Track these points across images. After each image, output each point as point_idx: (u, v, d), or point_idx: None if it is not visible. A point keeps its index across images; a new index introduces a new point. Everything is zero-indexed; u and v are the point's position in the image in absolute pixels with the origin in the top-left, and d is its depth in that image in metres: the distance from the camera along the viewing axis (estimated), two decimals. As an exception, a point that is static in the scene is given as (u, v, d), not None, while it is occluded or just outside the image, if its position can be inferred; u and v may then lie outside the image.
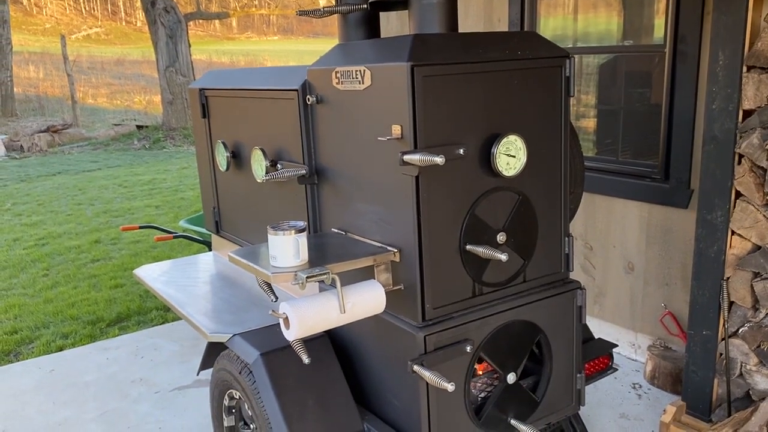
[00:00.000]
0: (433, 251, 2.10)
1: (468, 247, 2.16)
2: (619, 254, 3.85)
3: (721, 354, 2.91)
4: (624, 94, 3.79)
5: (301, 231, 2.00)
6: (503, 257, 2.07)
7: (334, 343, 2.54)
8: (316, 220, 2.57)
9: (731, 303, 2.84)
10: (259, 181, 2.66)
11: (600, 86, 3.97)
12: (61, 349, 4.48)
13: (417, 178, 2.01)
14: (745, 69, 2.64)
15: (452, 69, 2.04)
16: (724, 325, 2.86)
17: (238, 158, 3.06)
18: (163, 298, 2.98)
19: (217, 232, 3.49)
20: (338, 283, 1.97)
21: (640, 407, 3.41)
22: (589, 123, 4.07)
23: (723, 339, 2.88)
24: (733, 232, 2.78)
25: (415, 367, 2.04)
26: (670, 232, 3.54)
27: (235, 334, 2.47)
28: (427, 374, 2.01)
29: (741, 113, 2.69)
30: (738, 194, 2.75)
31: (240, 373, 2.41)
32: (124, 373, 4.03)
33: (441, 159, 1.88)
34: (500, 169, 2.15)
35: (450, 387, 1.95)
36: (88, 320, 5.05)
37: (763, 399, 2.69)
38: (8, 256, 7.28)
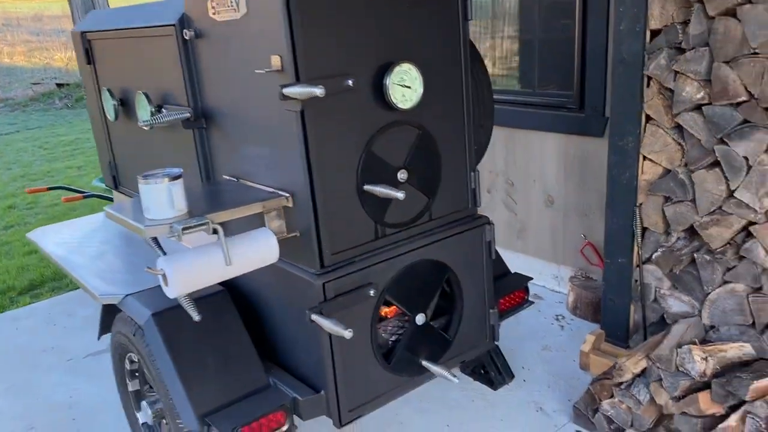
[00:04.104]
0: (328, 193, 1.96)
1: (366, 187, 2.03)
2: (539, 188, 3.80)
3: (636, 280, 2.91)
4: (539, 22, 3.66)
5: (175, 178, 1.82)
6: (400, 195, 1.95)
7: (237, 296, 2.41)
8: (208, 167, 2.39)
9: (644, 229, 2.82)
10: (140, 127, 2.44)
11: (514, 15, 3.84)
12: (-34, 322, 4.21)
13: (302, 113, 1.85)
14: (651, -13, 2.55)
15: (334, -9, 1.86)
16: (638, 251, 2.85)
17: (126, 106, 2.82)
18: (55, 261, 2.77)
19: (116, 188, 3.26)
20: (221, 234, 1.82)
21: (563, 338, 3.42)
22: (505, 54, 3.95)
23: (638, 265, 2.87)
24: (644, 158, 2.74)
25: (314, 316, 1.92)
26: (588, 163, 3.50)
27: (127, 295, 2.30)
28: (325, 323, 1.90)
29: (648, 33, 2.61)
30: (648, 118, 2.69)
31: (134, 335, 2.25)
32: (34, 342, 3.80)
33: (321, 90, 1.72)
34: (395, 101, 2.01)
35: (347, 334, 1.84)
36: (-3, 290, 4.75)
37: (676, 322, 2.72)
38: None
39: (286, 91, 1.77)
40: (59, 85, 17.45)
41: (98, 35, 2.90)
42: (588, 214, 3.58)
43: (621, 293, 2.97)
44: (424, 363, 2.27)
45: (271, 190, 2.05)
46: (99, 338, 2.65)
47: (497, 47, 3.98)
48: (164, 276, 1.79)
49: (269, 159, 2.04)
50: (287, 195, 1.99)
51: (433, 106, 2.16)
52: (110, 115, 2.87)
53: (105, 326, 2.55)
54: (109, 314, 2.48)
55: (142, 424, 2.53)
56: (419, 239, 2.23)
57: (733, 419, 2.24)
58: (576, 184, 3.61)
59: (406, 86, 2.02)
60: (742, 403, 2.25)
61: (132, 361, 2.48)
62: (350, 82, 1.90)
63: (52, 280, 4.91)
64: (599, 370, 2.86)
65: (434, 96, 2.15)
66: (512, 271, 2.93)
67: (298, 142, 1.87)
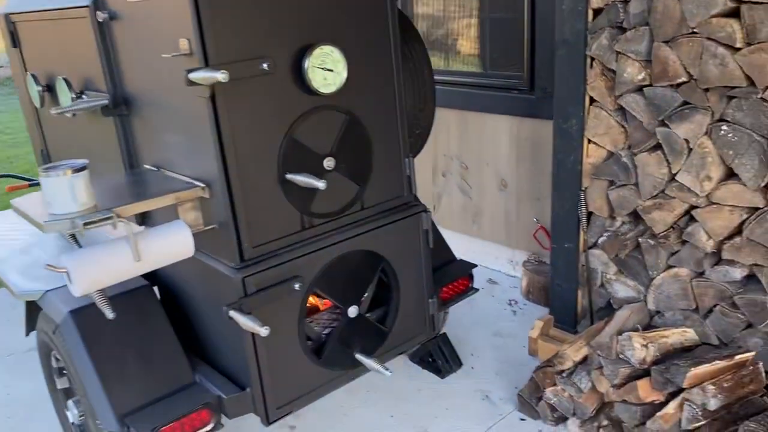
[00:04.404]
0: (246, 183, 1.87)
1: (287, 176, 1.94)
2: (492, 172, 3.73)
3: (583, 265, 2.86)
4: (489, 3, 3.57)
5: (79, 170, 1.71)
6: (321, 185, 1.87)
7: (167, 289, 2.32)
8: (132, 156, 2.28)
9: (590, 213, 2.77)
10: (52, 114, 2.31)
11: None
12: None
13: (212, 99, 1.75)
14: (592, -36, 2.47)
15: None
16: (584, 236, 2.80)
17: (53, 92, 2.69)
18: (-23, 255, 2.65)
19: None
20: (129, 228, 1.72)
21: (515, 323, 3.38)
22: (458, 34, 3.85)
23: (584, 250, 2.83)
24: (589, 141, 2.68)
25: (231, 313, 1.84)
26: (539, 145, 3.43)
27: (46, 291, 2.19)
28: (242, 319, 1.82)
29: (591, 13, 2.53)
30: (592, 100, 2.62)
31: (54, 333, 2.15)
32: (-26, 338, 3.68)
33: (223, 75, 1.62)
34: (316, 85, 1.91)
35: (263, 332, 1.77)
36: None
37: (622, 307, 2.68)
38: None
39: (192, 76, 1.67)
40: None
41: (22, 17, 2.75)
42: (540, 198, 3.53)
43: (568, 278, 2.93)
44: (357, 356, 2.20)
45: (188, 180, 1.95)
46: (27, 335, 2.54)
47: (449, 27, 3.88)
48: (68, 274, 1.69)
49: (186, 148, 1.94)
50: (203, 185, 1.89)
51: (361, 90, 2.07)
52: (36, 102, 2.74)
53: (30, 323, 2.44)
54: (33, 311, 2.38)
55: (72, 423, 2.44)
56: (350, 229, 2.15)
57: (671, 407, 2.21)
58: (528, 168, 3.55)
59: (328, 69, 1.92)
60: (681, 390, 2.22)
61: (57, 359, 2.38)
62: (265, 66, 1.80)
63: None
64: (548, 356, 2.82)
65: (362, 79, 2.06)
66: (458, 258, 2.86)
67: (210, 130, 1.78)
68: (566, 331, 2.98)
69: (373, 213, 2.21)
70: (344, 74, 1.96)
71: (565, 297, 2.97)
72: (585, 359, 2.49)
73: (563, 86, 2.68)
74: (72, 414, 2.37)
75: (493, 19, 3.58)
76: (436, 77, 2.74)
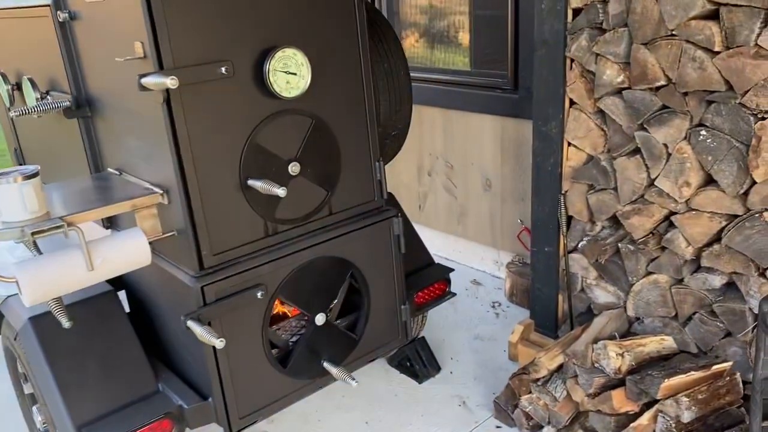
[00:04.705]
0: (206, 190, 1.82)
1: (249, 182, 1.89)
2: (477, 171, 3.68)
3: (563, 270, 2.81)
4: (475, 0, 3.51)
5: (30, 177, 1.66)
6: (280, 192, 1.82)
7: (133, 297, 2.28)
8: (96, 159, 2.23)
9: (570, 218, 2.72)
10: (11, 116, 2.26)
11: (453, -9, 3.67)
12: None
13: (168, 104, 1.70)
14: (572, -38, 2.40)
15: (200, -31, 1.69)
16: (564, 240, 2.75)
17: (21, 91, 2.64)
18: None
19: (24, 176, 3.07)
20: (81, 237, 1.67)
21: (496, 326, 3.34)
22: (443, 31, 3.79)
23: (564, 255, 2.78)
24: (569, 144, 2.62)
25: (189, 323, 1.80)
26: (522, 146, 3.38)
27: (8, 297, 2.15)
28: (198, 330, 1.77)
29: (570, 13, 2.47)
30: (572, 102, 2.56)
31: (15, 339, 2.11)
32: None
33: (173, 81, 1.57)
34: (278, 89, 1.86)
35: (218, 343, 1.72)
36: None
37: (601, 313, 2.63)
38: None
39: (144, 81, 1.62)
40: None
41: (-10, 14, 2.70)
42: (524, 199, 3.47)
43: (548, 282, 2.88)
44: (325, 365, 2.16)
45: (147, 186, 1.90)
46: (-6, 340, 2.51)
47: (434, 24, 3.81)
48: (17, 283, 1.65)
49: (144, 152, 1.89)
50: (161, 192, 1.84)
51: (327, 93, 2.01)
52: (6, 101, 2.69)
53: (-5, 328, 2.40)
54: (-2, 315, 2.34)
55: (38, 429, 2.40)
56: (317, 235, 2.10)
57: (644, 418, 2.17)
58: (512, 168, 3.49)
59: (291, 73, 1.87)
60: (656, 401, 2.17)
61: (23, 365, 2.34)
62: (223, 70, 1.75)
63: (-16, 268, 4.72)
64: (527, 362, 2.78)
65: (328, 82, 2.01)
66: (437, 261, 2.81)
67: (165, 135, 1.73)
68: (547, 336, 2.93)
69: (341, 218, 2.16)
70: (308, 78, 1.90)
71: (545, 301, 2.92)
72: (561, 367, 2.44)
73: (542, 87, 2.62)
74: (37, 420, 2.33)
75: (479, 16, 3.52)
76: (420, 75, 2.68)
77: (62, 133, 2.41)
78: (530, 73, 3.18)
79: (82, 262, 1.69)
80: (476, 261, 3.88)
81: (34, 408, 2.32)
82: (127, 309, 2.23)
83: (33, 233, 1.60)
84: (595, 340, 2.39)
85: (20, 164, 3.05)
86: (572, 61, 2.50)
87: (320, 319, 2.15)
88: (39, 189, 1.68)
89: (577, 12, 2.46)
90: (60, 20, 2.03)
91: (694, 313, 2.39)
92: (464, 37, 3.69)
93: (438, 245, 3.96)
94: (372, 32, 2.24)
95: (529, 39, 3.13)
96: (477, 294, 3.66)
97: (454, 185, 3.86)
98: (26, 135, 2.91)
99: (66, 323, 1.82)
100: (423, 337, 2.95)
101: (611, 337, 2.44)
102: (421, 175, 4.04)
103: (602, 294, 2.69)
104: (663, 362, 2.34)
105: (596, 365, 2.31)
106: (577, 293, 2.81)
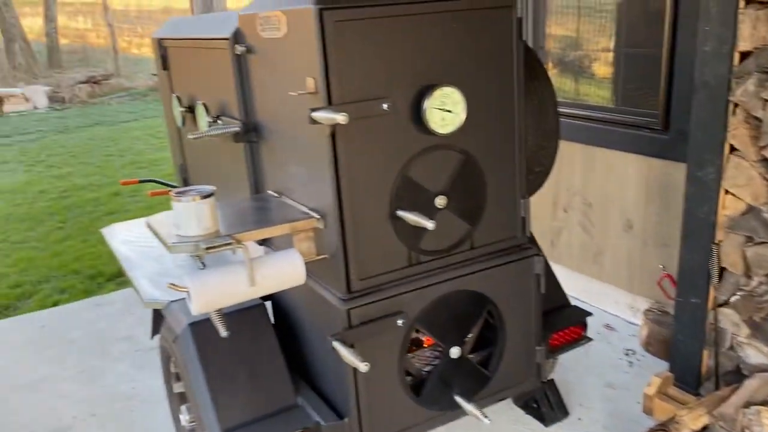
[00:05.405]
0: (358, 217, 1.91)
1: (398, 212, 1.96)
2: (617, 211, 3.55)
3: (711, 323, 2.64)
4: (625, 36, 3.42)
5: (207, 197, 1.83)
6: (430, 225, 1.87)
7: (279, 310, 2.41)
8: (257, 180, 2.40)
9: (722, 269, 2.56)
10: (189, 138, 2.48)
11: (602, 28, 3.60)
12: (56, 304, 4.52)
13: (333, 137, 1.81)
14: (742, 4, 2.29)
15: (372, 12, 1.80)
16: (714, 293, 2.59)
17: (193, 113, 2.89)
18: (117, 259, 2.89)
19: (186, 190, 3.36)
20: (246, 254, 1.81)
21: (630, 376, 3.18)
22: (590, 68, 3.72)
23: (713, 308, 2.61)
24: (726, 191, 2.48)
25: (335, 343, 1.88)
26: (670, 188, 3.22)
27: (171, 302, 2.35)
28: (344, 352, 1.85)
29: (737, 56, 2.35)
30: (732, 148, 2.43)
31: (174, 342, 2.30)
32: (111, 329, 4.02)
33: (343, 117, 1.67)
34: (433, 125, 1.92)
35: (363, 367, 1.79)
36: (88, 275, 5.08)
37: (752, 375, 2.45)
38: (30, 209, 7.39)
39: (314, 115, 1.74)
40: (176, 77, 18.45)
41: (172, 43, 2.99)
42: (669, 244, 3.31)
43: (693, 335, 2.72)
44: (457, 398, 2.17)
45: (306, 209, 2.02)
46: (152, 338, 2.74)
47: (580, 60, 3.76)
48: (188, 293, 1.81)
49: (305, 179, 2.01)
50: (318, 216, 1.95)
51: (479, 129, 2.05)
52: (178, 122, 2.96)
53: (155, 328, 2.63)
54: (159, 317, 2.56)
55: (183, 426, 2.59)
56: (458, 268, 2.13)
57: (802, 497, 1.98)
58: (657, 211, 3.34)
59: (446, 110, 1.92)
60: (816, 479, 1.98)
61: (176, 365, 2.54)
62: (385, 106, 1.83)
63: (138, 269, 5.18)
64: (664, 417, 2.63)
65: (481, 119, 2.04)
66: (572, 303, 2.74)
67: (328, 166, 1.83)
68: (687, 392, 2.76)
69: (482, 253, 2.18)
70: (463, 115, 1.95)
71: (688, 355, 2.75)
72: (704, 429, 2.29)
73: (700, 131, 2.51)
74: (184, 418, 2.52)
75: (628, 54, 3.43)
76: (561, 109, 2.65)
77: (226, 154, 2.61)
78: (685, 114, 3.05)
79: (245, 277, 1.82)
80: (609, 304, 3.74)
81: (183, 406, 2.51)
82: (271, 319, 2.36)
83: (206, 248, 1.75)
84: (747, 405, 2.22)
85: (184, 178, 3.33)
86: (736, 105, 2.37)
87: (455, 351, 2.16)
88: (213, 208, 1.84)
89: (745, 55, 2.33)
90: (237, 53, 2.22)
91: None
92: (609, 74, 3.60)
93: (569, 284, 3.83)
94: (524, 69, 2.25)
95: (686, 80, 3.02)
96: (609, 339, 3.52)
97: (591, 223, 3.75)
98: (191, 152, 3.18)
99: (223, 332, 1.96)
100: (552, 380, 2.88)
101: (764, 403, 2.26)
102: (555, 210, 3.97)
103: (755, 354, 2.50)
104: (825, 437, 2.13)
105: (747, 432, 2.15)
106: (725, 350, 2.63)
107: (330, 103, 1.78)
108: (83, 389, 3.35)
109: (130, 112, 14.77)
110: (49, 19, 21.96)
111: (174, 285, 1.83)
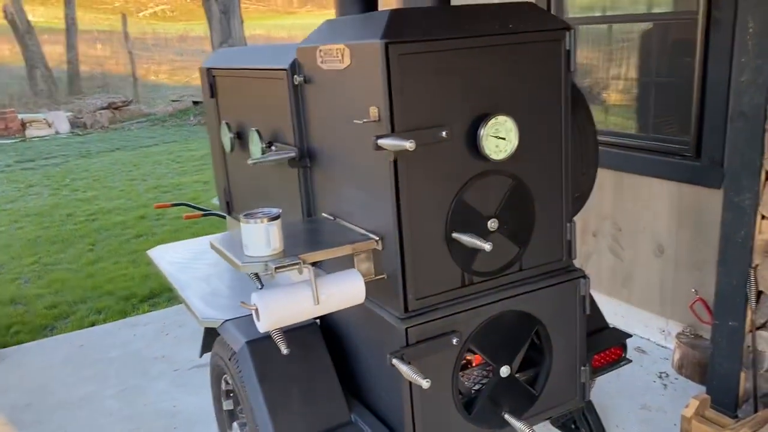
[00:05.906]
0: (416, 239, 2.00)
1: (454, 234, 2.04)
2: (648, 236, 3.63)
3: (748, 346, 2.70)
4: (656, 65, 3.53)
5: (274, 219, 1.92)
6: (487, 247, 1.95)
7: (328, 329, 2.49)
8: (310, 204, 2.50)
9: (760, 292, 2.62)
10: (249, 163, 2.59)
11: (631, 57, 3.72)
12: (93, 325, 4.62)
13: (395, 163, 1.90)
14: (777, 37, 2.39)
15: (433, 46, 1.90)
16: (751, 315, 2.65)
17: (242, 139, 3.01)
18: (167, 279, 2.99)
19: (229, 213, 3.47)
20: (311, 274, 1.90)
21: (665, 398, 3.23)
22: (619, 96, 3.82)
23: (750, 330, 2.67)
24: (762, 217, 2.56)
25: (394, 361, 1.95)
26: (702, 214, 3.30)
27: (226, 320, 2.44)
28: (404, 368, 1.92)
29: (772, 86, 2.45)
30: (768, 175, 2.52)
31: (230, 359, 2.38)
32: (147, 349, 4.11)
33: (411, 144, 1.77)
34: (488, 152, 2.01)
35: (425, 384, 1.86)
36: (122, 296, 5.18)
37: (792, 397, 2.50)
38: (59, 231, 7.55)
39: (381, 142, 1.83)
40: (195, 103, 18.81)
41: (222, 72, 3.12)
42: (701, 268, 3.37)
43: (731, 358, 2.77)
44: (506, 416, 2.23)
45: (363, 231, 2.11)
46: (201, 356, 2.82)
47: (612, 87, 3.86)
48: (257, 311, 1.89)
49: (363, 202, 2.11)
50: (377, 238, 2.04)
51: (529, 156, 2.14)
52: (226, 147, 3.08)
53: (206, 346, 2.71)
54: (210, 336, 2.64)
55: (232, 443, 2.66)
56: (508, 289, 2.20)
57: None
58: (689, 236, 3.41)
59: (500, 138, 2.02)
60: None
61: (227, 383, 2.62)
62: (444, 134, 1.93)
63: (168, 291, 5.28)
64: (702, 439, 2.68)
65: (531, 146, 2.13)
66: (610, 325, 2.81)
67: (389, 190, 1.92)
68: (725, 415, 2.81)
69: (531, 275, 2.25)
70: (515, 142, 2.04)
71: (725, 377, 2.80)
72: (748, 449, 2.34)
73: (737, 158, 2.59)
74: (235, 434, 2.59)
75: (659, 83, 3.53)
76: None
77: (275, 178, 2.72)
78: (716, 141, 3.15)
79: (310, 296, 1.91)
80: (640, 328, 3.79)
81: (235, 423, 2.58)
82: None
83: (276, 268, 1.84)
84: (790, 425, 2.27)
85: (227, 202, 3.44)
86: (772, 133, 2.46)
87: (504, 371, 2.23)
88: (279, 229, 1.93)
89: (780, 85, 2.43)
90: (295, 83, 2.33)
91: None
92: (639, 102, 3.70)
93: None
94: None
95: (717, 108, 3.11)
96: (641, 362, 3.57)
97: (621, 248, 3.82)
98: (236, 177, 3.29)
99: (284, 350, 2.04)
100: (590, 401, 2.92)
101: (807, 424, 2.31)
102: (585, 234, 4.04)
103: (793, 376, 2.56)
104: None
105: (791, 452, 2.20)
106: (763, 372, 2.68)
107: (393, 131, 1.88)
108: (126, 407, 3.43)
109: (150, 137, 15.03)
110: (70, 46, 22.45)
111: (245, 303, 1.91)
